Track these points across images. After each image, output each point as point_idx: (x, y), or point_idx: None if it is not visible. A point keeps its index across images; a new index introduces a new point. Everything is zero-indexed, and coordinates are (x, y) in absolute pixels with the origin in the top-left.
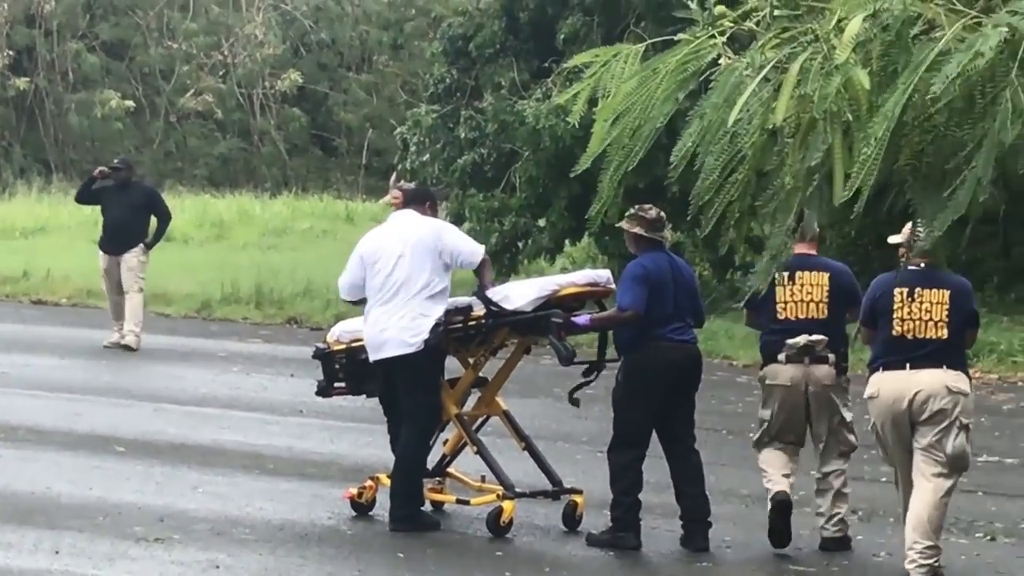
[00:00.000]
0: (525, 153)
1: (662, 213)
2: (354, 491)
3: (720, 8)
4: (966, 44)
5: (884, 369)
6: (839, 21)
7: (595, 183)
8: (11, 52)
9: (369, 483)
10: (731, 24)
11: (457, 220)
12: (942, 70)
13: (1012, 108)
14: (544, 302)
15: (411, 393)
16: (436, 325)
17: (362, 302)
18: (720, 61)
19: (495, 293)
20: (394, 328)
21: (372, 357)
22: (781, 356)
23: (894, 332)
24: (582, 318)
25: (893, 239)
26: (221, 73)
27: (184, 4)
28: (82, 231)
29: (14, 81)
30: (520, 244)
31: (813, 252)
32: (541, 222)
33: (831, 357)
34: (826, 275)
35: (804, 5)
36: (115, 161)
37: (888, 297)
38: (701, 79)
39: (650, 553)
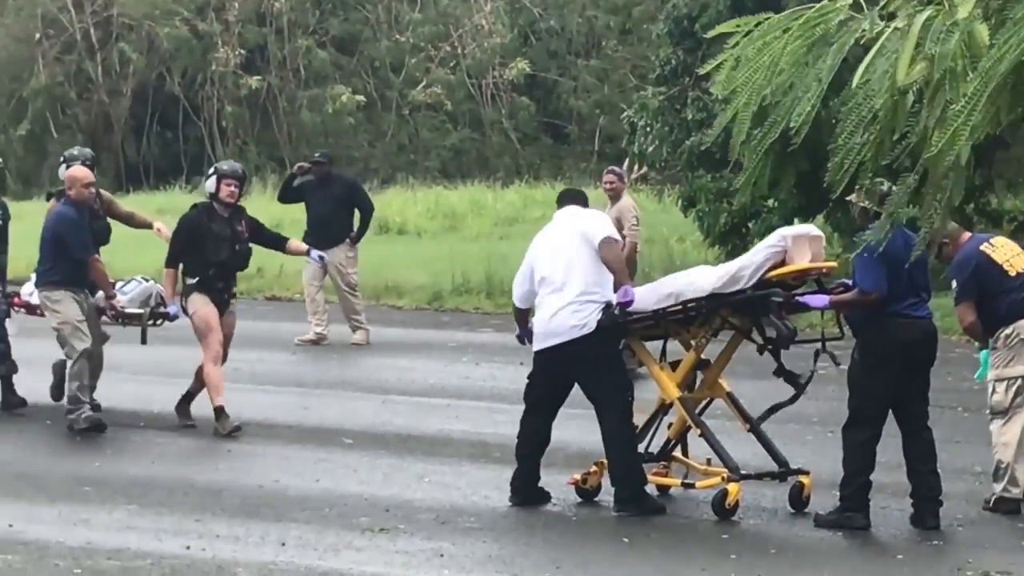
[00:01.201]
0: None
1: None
2: (578, 477)
3: None
4: None
5: None
6: None
7: (825, 159)
8: (243, 51)
9: (594, 468)
10: None
11: (688, 202)
12: None
13: None
14: (761, 279)
15: (595, 377)
16: (607, 305)
17: None
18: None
19: (684, 275)
20: (564, 313)
21: (540, 345)
22: None
23: None
24: (819, 299)
25: None
26: (451, 64)
27: None
28: None
29: (247, 80)
30: (750, 224)
31: None
32: (770, 201)
33: None
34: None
35: None
36: (316, 155)
37: None
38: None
39: (879, 532)
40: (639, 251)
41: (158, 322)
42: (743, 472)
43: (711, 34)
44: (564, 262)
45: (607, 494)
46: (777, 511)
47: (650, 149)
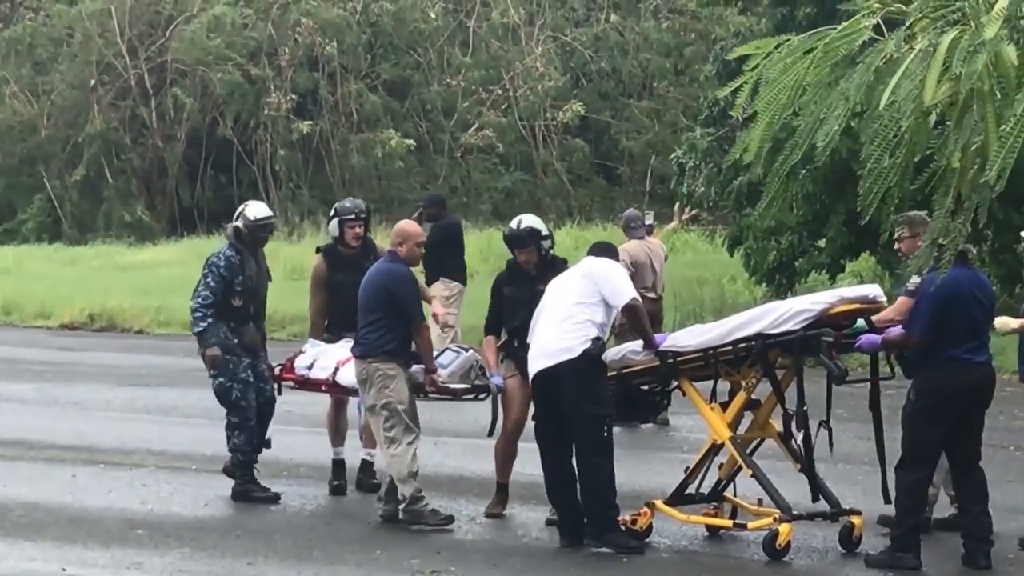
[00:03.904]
0: (801, 171)
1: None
2: (627, 518)
3: None
4: None
5: None
6: None
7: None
8: (295, 96)
9: (644, 510)
10: (879, 6)
11: (734, 241)
12: None
13: None
14: (815, 320)
15: (574, 404)
16: (596, 338)
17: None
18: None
19: (761, 310)
20: (552, 338)
21: (532, 372)
22: None
23: None
24: (871, 340)
25: None
26: (503, 107)
27: (464, 40)
28: None
29: (299, 124)
30: (798, 263)
31: None
32: (821, 242)
33: None
34: None
35: None
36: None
37: None
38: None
39: (930, 573)
40: None
41: (480, 396)
42: (795, 512)
43: (731, 56)
44: (564, 295)
45: (658, 535)
46: (828, 551)
47: (700, 190)
